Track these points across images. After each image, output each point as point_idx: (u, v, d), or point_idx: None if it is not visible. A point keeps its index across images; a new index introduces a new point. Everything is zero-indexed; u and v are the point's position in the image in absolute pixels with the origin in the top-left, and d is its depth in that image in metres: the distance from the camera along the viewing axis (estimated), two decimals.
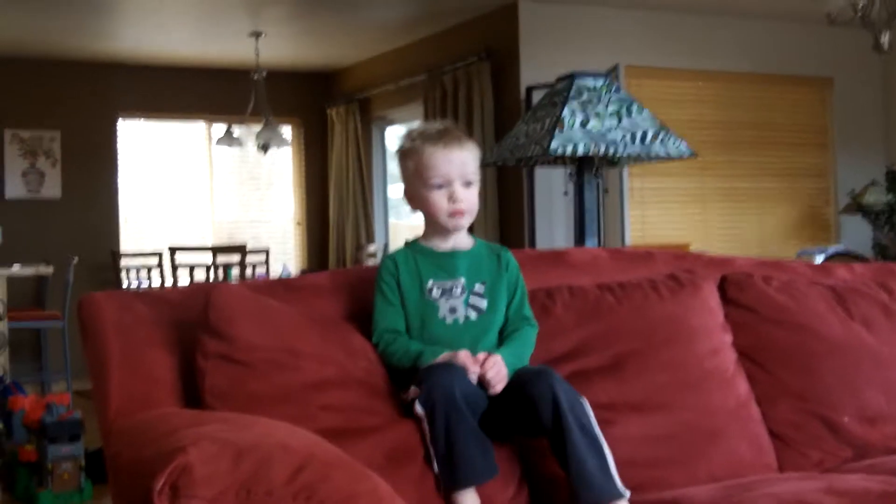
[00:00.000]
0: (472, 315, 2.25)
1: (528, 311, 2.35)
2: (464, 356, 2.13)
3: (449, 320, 2.24)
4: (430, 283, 2.26)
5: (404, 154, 2.31)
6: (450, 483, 2.05)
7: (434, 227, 2.31)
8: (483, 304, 2.27)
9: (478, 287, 2.28)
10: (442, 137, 2.26)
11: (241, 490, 1.52)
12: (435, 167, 2.24)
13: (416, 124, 2.34)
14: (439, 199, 2.25)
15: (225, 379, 2.02)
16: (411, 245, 2.34)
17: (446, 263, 2.28)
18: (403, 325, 2.25)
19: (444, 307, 2.24)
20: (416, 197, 2.30)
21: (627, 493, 2.07)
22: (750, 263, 2.98)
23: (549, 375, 2.12)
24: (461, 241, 2.33)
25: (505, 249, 2.37)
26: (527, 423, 2.13)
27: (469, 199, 2.27)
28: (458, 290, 2.26)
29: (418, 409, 2.08)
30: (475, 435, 2.05)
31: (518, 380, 2.16)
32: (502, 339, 2.29)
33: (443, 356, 2.15)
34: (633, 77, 7.36)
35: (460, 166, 2.25)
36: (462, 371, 2.10)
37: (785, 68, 8.20)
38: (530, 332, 2.33)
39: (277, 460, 1.56)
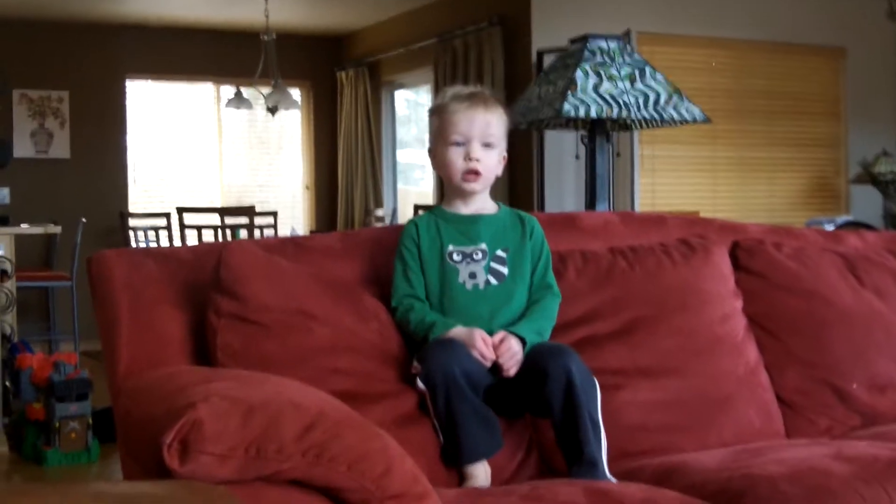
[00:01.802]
0: (493, 281, 2.22)
1: (551, 279, 2.32)
2: (479, 342, 2.10)
3: (469, 286, 2.21)
4: (451, 247, 2.24)
5: (432, 112, 2.32)
6: (456, 458, 2.06)
7: (452, 189, 2.29)
8: (504, 270, 2.24)
9: (500, 253, 2.25)
10: (469, 98, 2.27)
11: (251, 446, 1.52)
12: (456, 124, 2.24)
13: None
14: (455, 156, 2.24)
15: (237, 338, 2.02)
16: (434, 210, 2.32)
17: (468, 229, 2.26)
18: (423, 291, 2.23)
19: (463, 272, 2.22)
20: (436, 155, 2.29)
21: (615, 481, 2.07)
22: (762, 230, 2.96)
23: (566, 354, 2.11)
24: (484, 205, 2.31)
25: (531, 217, 2.35)
26: (536, 399, 2.11)
27: (486, 162, 2.25)
28: (479, 255, 2.23)
29: (420, 386, 2.08)
30: (478, 412, 2.05)
31: (534, 356, 2.14)
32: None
33: (456, 331, 2.13)
34: (644, 44, 7.28)
35: (482, 126, 2.24)
36: (462, 347, 2.08)
37: (798, 37, 8.12)
38: (552, 302, 2.29)
39: (288, 418, 1.56)
